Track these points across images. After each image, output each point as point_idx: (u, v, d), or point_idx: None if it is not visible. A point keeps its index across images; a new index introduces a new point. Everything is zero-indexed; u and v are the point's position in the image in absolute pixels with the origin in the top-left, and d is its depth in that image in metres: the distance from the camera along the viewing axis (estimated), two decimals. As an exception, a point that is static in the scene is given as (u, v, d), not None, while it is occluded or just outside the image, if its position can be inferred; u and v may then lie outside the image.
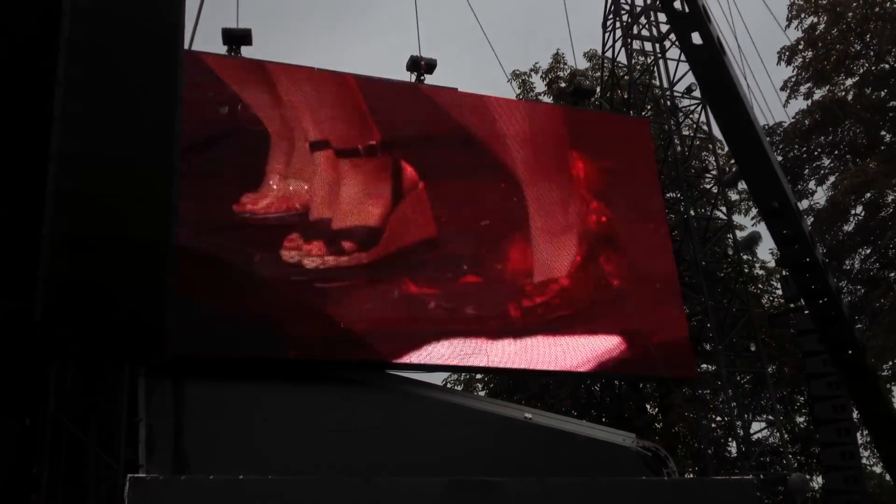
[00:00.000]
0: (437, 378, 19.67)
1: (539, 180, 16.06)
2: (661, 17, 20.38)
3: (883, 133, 22.47)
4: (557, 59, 25.60)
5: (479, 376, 23.16)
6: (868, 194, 20.82)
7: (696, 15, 11.44)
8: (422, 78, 16.34)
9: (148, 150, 9.73)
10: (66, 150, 9.25)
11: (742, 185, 23.24)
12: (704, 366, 20.55)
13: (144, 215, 9.81)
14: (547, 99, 24.68)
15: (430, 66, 16.38)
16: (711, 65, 12.94)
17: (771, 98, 24.32)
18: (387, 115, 15.19)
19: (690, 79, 19.69)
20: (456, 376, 22.94)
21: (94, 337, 10.10)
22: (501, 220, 15.49)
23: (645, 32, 20.52)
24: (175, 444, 11.60)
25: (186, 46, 11.97)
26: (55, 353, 10.61)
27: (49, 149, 9.14)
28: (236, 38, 15.06)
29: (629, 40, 20.74)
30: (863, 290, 22.37)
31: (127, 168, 9.77)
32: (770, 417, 20.05)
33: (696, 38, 14.24)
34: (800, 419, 23.61)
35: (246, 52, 15.14)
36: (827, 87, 22.78)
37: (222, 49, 15.06)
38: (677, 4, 9.58)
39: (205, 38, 16.24)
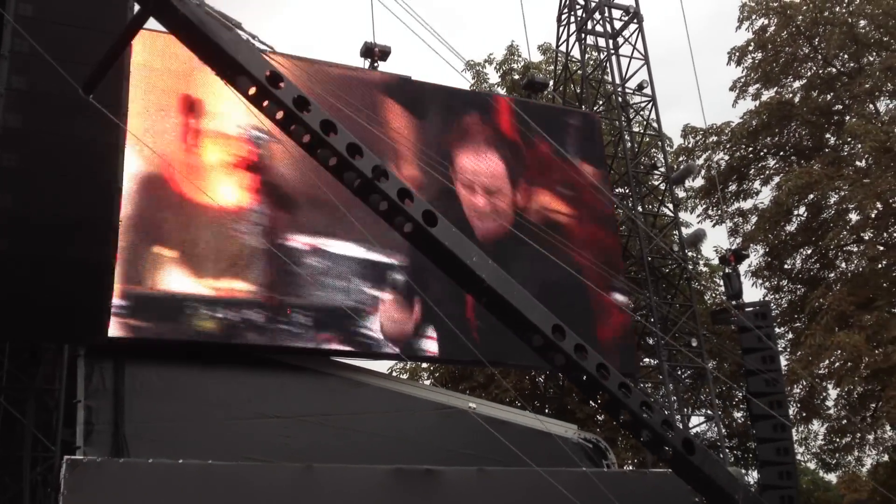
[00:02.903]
0: (382, 366, 19.68)
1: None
2: (616, 13, 20.56)
3: (828, 136, 22.89)
4: (512, 50, 25.69)
5: (424, 365, 23.21)
6: (811, 195, 21.19)
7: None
8: (375, 65, 16.27)
9: (92, 129, 9.58)
10: (8, 125, 9.09)
11: (689, 183, 23.59)
12: (647, 360, 20.83)
13: (87, 195, 9.67)
14: (500, 90, 24.74)
15: (384, 53, 16.32)
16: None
17: (720, 98, 24.67)
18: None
19: (642, 76, 19.93)
20: (401, 365, 22.96)
21: (34, 317, 9.95)
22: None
23: (599, 28, 20.65)
24: (114, 427, 11.44)
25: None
26: (-7, 333, 10.41)
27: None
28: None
29: (583, 35, 20.86)
30: (803, 290, 22.81)
31: (70, 146, 9.62)
32: (709, 412, 20.39)
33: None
34: (738, 414, 24.06)
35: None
36: (775, 89, 23.13)
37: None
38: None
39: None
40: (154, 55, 13.61)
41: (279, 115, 5.27)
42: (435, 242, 5.65)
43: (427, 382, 23.34)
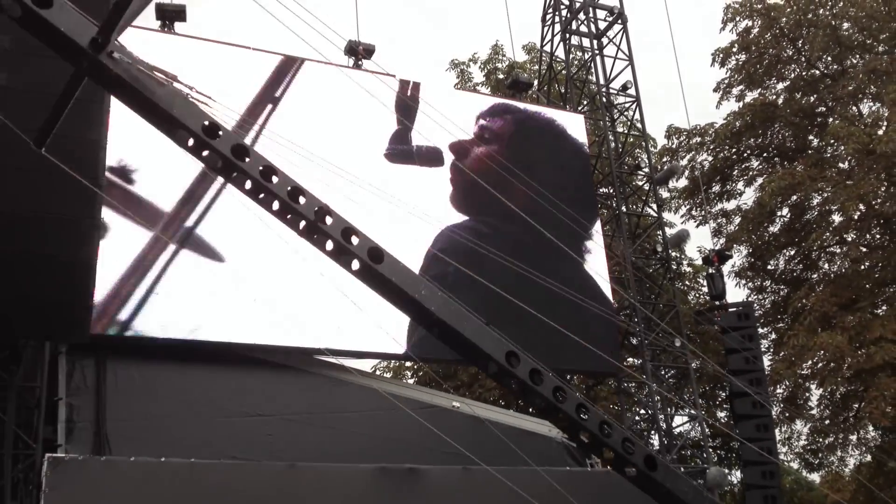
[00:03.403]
0: (366, 365, 19.62)
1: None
2: (600, 13, 20.58)
3: (811, 138, 23.03)
4: (496, 50, 25.72)
5: (408, 364, 23.18)
6: (794, 197, 21.33)
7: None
8: (360, 63, 16.22)
9: (73, 126, 9.50)
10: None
11: (673, 184, 23.67)
12: (630, 359, 20.87)
13: (70, 191, 9.58)
14: (485, 89, 24.76)
15: (369, 51, 16.26)
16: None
17: (705, 99, 24.68)
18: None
19: (626, 76, 19.97)
20: (385, 363, 22.93)
21: (15, 314, 9.87)
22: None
23: (584, 28, 20.68)
24: (95, 425, 11.37)
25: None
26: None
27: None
28: (170, 13, 14.75)
29: (568, 35, 20.89)
30: (786, 291, 22.94)
31: (51, 142, 9.52)
32: (692, 412, 20.43)
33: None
34: (721, 414, 24.14)
35: (180, 28, 14.86)
36: (758, 91, 23.25)
37: (155, 24, 14.76)
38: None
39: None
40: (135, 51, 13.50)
41: (219, 163, 5.35)
42: (382, 279, 5.74)
43: (411, 381, 23.30)
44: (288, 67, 15.03)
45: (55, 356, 11.61)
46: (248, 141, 8.79)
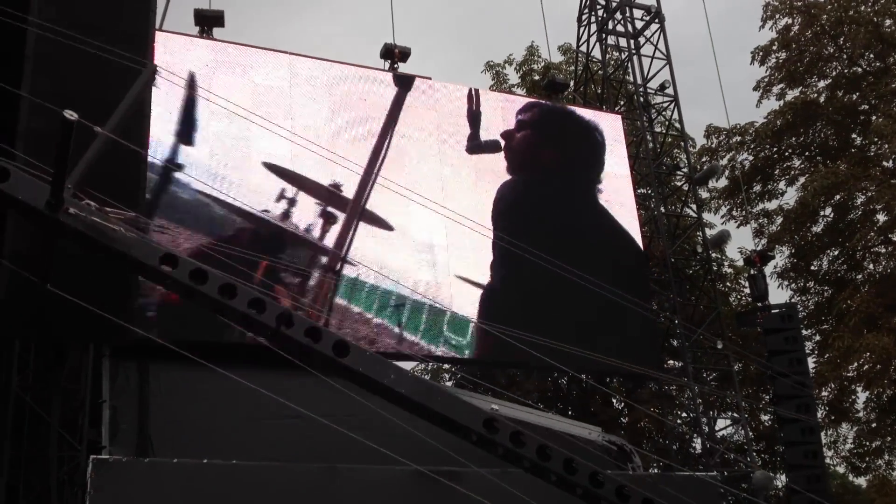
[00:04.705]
0: (405, 367, 19.57)
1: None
2: (637, 13, 20.46)
3: (854, 136, 22.69)
4: (532, 51, 25.63)
5: (445, 367, 23.14)
6: (837, 196, 21.01)
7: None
8: (396, 66, 16.27)
9: (118, 130, 9.59)
10: (32, 126, 9.11)
11: (713, 184, 23.43)
12: (671, 362, 20.68)
13: (109, 195, 9.67)
14: (520, 91, 24.69)
15: (405, 54, 16.32)
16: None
17: (740, 96, 24.47)
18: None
19: (664, 76, 19.83)
20: (423, 366, 22.91)
21: (59, 317, 9.97)
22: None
23: (620, 28, 20.56)
24: (139, 427, 11.49)
25: (157, 26, 11.84)
26: (19, 332, 10.46)
27: (16, 128, 8.99)
28: (209, 19, 14.91)
29: (604, 35, 20.78)
30: (830, 291, 22.59)
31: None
32: (735, 415, 20.20)
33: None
34: (764, 417, 23.82)
35: (218, 34, 15.01)
36: (799, 89, 22.95)
37: (194, 30, 14.94)
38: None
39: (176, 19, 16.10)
40: (174, 56, 13.71)
41: (182, 291, 5.63)
42: (350, 370, 5.95)
43: (449, 384, 23.25)
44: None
45: (99, 359, 11.74)
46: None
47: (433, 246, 14.96)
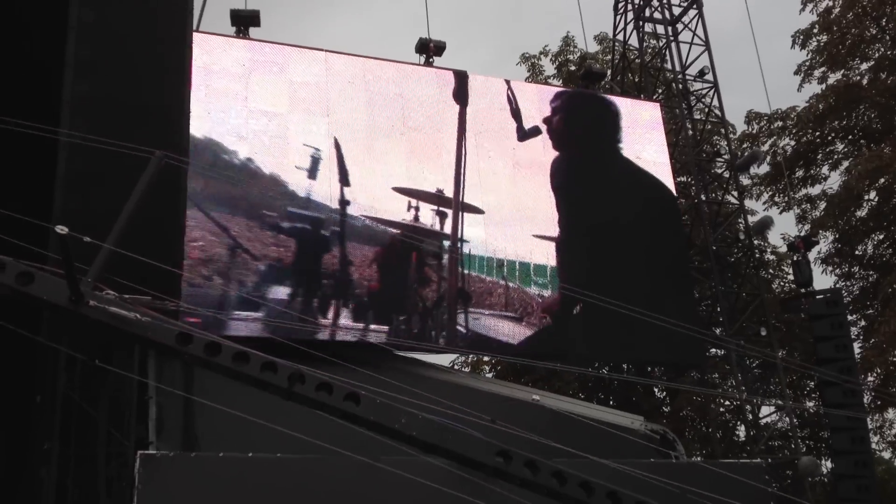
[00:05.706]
0: (444, 360, 19.74)
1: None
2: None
3: (898, 118, 22.31)
4: (567, 41, 25.50)
5: (486, 359, 23.20)
6: (882, 180, 20.65)
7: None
8: (431, 60, 16.32)
9: (158, 131, 9.74)
10: (75, 129, 9.26)
11: (754, 170, 23.16)
12: (714, 350, 20.53)
13: (156, 195, 9.82)
14: (556, 82, 24.60)
15: (440, 48, 16.36)
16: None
17: (784, 83, 24.03)
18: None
19: (703, 62, 19.64)
20: (463, 358, 22.99)
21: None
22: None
23: (657, 15, 20.40)
24: (184, 422, 11.67)
25: (194, 27, 12.00)
26: (65, 330, 10.65)
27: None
28: (245, 19, 15.06)
29: (641, 23, 20.63)
30: (875, 276, 22.27)
31: (135, 149, 9.77)
32: (779, 402, 20.01)
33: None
34: (809, 404, 23.57)
35: (254, 33, 15.16)
36: (841, 72, 22.61)
37: (230, 30, 15.11)
38: None
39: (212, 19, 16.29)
40: (211, 56, 13.90)
41: (199, 363, 5.96)
42: (363, 419, 6.24)
43: (489, 375, 23.30)
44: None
45: (145, 356, 11.92)
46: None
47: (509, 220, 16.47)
